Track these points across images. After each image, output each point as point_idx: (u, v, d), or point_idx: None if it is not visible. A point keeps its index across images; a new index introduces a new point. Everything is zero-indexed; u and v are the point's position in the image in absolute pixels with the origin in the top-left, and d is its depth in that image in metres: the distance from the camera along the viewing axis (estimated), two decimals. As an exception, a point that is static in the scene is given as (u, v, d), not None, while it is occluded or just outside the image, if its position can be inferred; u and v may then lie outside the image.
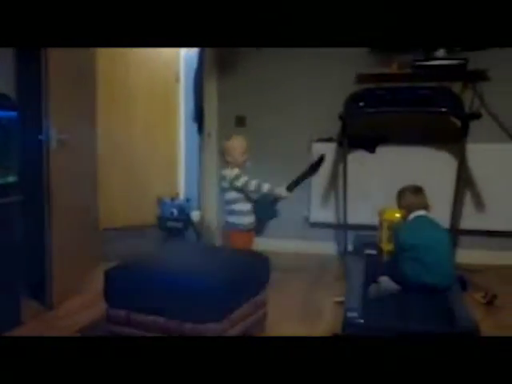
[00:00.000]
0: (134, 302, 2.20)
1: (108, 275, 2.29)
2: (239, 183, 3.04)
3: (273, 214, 3.25)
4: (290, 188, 3.15)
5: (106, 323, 2.28)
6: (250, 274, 2.42)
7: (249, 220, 3.14)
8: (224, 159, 3.17)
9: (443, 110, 3.51)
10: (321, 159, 3.37)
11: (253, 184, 3.02)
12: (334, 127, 3.78)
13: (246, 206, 3.12)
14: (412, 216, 2.79)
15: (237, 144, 3.11)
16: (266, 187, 3.04)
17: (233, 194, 3.09)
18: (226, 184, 3.09)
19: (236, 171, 3.07)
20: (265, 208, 3.21)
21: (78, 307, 2.82)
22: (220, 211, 4.11)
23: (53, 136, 2.71)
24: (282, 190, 3.10)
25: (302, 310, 2.85)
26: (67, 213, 2.92)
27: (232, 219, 3.11)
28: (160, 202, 4.68)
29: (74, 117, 3.06)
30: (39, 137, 2.70)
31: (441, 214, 3.10)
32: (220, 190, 3.20)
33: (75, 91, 3.08)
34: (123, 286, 2.24)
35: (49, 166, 2.72)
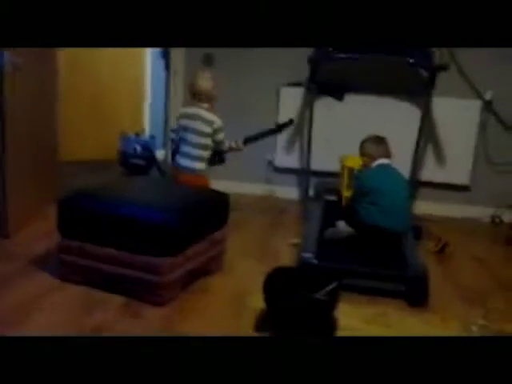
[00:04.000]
0: (87, 233, 2.16)
1: (61, 205, 2.23)
2: (219, 137, 3.09)
3: (222, 161, 3.25)
4: (247, 141, 3.27)
5: (59, 253, 2.25)
6: (208, 211, 2.40)
7: (201, 166, 3.09)
8: (193, 96, 3.12)
9: (411, 60, 3.48)
10: (289, 122, 3.47)
11: (226, 144, 3.17)
12: (304, 72, 3.72)
13: (204, 153, 3.08)
14: (374, 163, 2.83)
15: (209, 82, 3.11)
16: (233, 144, 3.21)
17: (198, 139, 3.04)
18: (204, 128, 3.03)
19: (219, 122, 3.06)
20: (215, 156, 3.21)
21: (33, 237, 2.77)
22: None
23: (7, 59, 2.57)
24: (239, 144, 3.24)
25: (259, 249, 2.88)
26: (23, 141, 2.82)
27: (186, 163, 3.05)
28: (123, 137, 4.54)
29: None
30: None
31: (402, 164, 3.14)
32: (178, 128, 3.11)
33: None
34: (76, 215, 2.19)
35: (2, 91, 2.59)
